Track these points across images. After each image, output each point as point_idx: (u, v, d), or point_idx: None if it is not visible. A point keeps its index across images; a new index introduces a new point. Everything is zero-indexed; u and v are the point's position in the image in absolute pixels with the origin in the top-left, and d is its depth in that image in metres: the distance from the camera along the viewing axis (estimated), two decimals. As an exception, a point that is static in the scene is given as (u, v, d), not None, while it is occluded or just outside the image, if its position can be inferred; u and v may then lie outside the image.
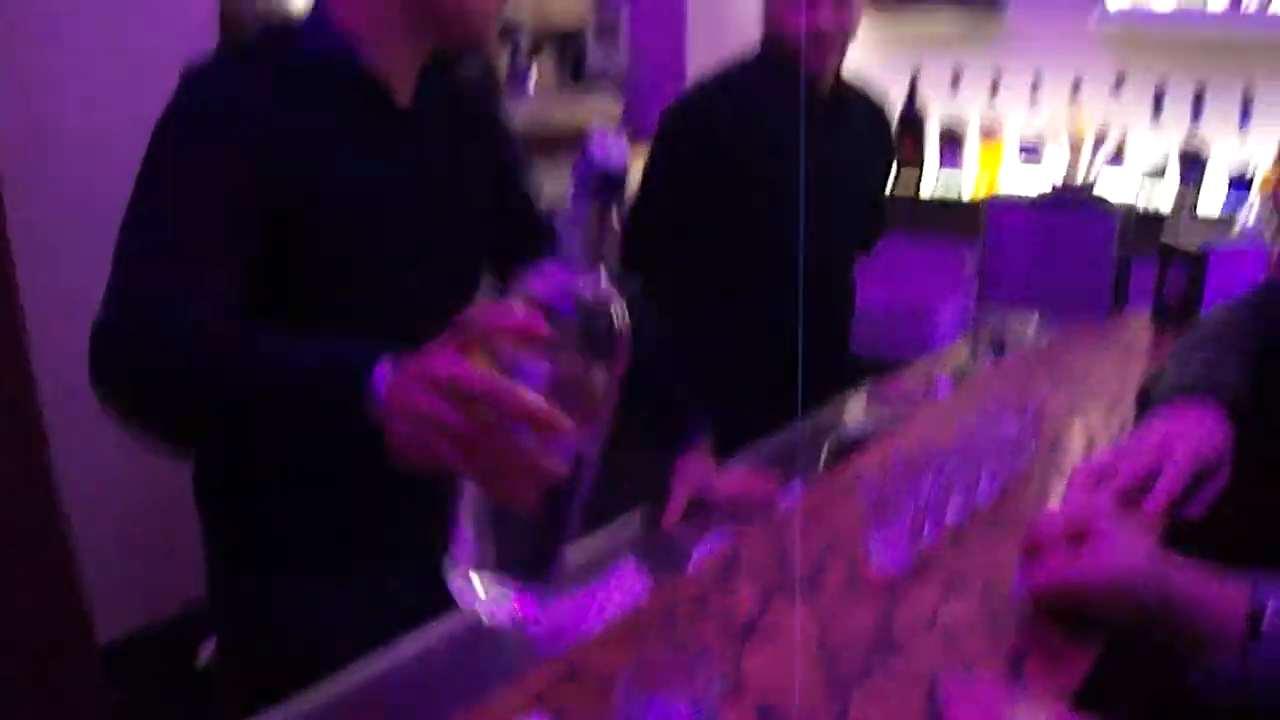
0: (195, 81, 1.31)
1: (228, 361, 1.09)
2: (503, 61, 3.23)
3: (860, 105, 2.46)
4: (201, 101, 1.28)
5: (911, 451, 1.24)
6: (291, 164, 1.31)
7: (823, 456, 1.81)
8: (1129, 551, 0.86)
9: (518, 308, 0.83)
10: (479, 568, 0.87)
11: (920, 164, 3.63)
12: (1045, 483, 1.25)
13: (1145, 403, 1.32)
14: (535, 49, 3.35)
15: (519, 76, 3.24)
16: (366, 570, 1.45)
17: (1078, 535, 0.88)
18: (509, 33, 3.20)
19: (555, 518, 0.88)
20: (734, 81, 2.36)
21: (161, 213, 1.25)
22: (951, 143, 3.59)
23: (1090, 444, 1.37)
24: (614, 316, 0.84)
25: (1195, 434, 1.22)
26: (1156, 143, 3.34)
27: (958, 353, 2.35)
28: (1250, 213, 2.25)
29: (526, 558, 0.88)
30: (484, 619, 0.90)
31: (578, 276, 0.84)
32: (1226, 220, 2.95)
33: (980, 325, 2.17)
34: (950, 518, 1.15)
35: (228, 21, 2.36)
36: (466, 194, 1.55)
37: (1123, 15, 3.31)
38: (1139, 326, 1.97)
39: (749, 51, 2.41)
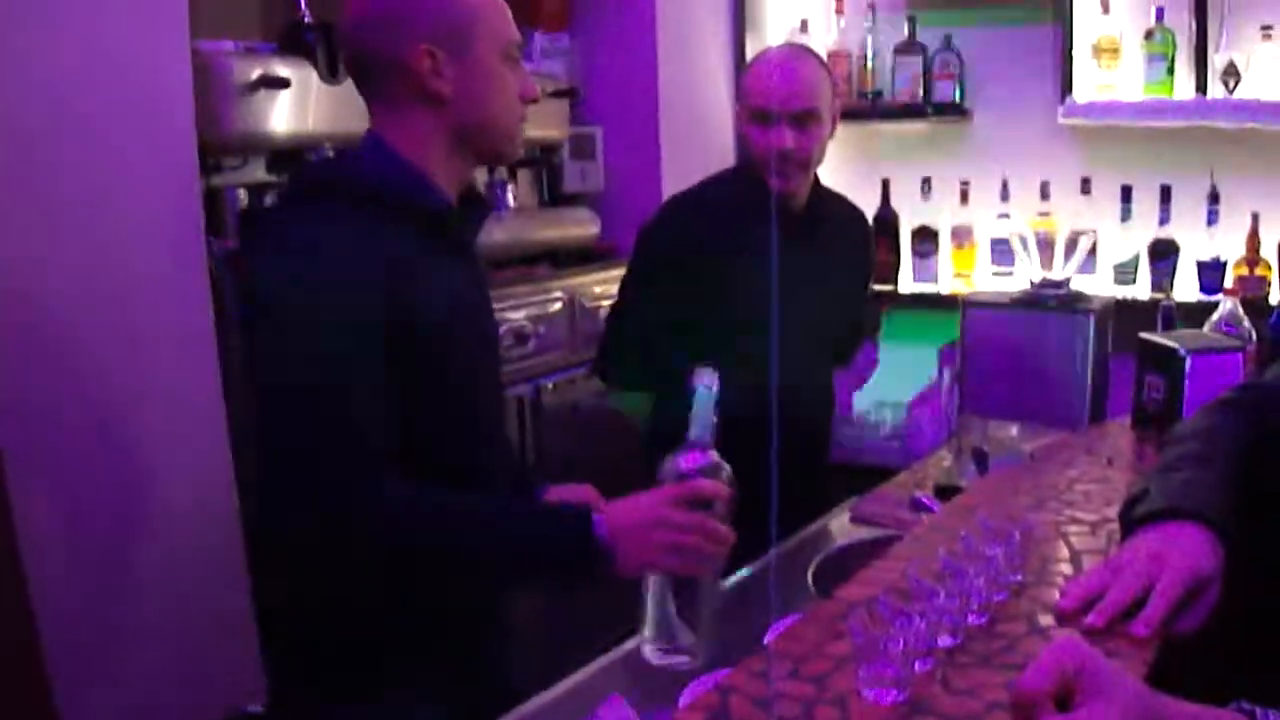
0: (292, 229, 1.46)
1: (455, 536, 1.41)
2: (480, 180, 3.26)
3: (839, 218, 2.51)
4: (318, 249, 1.42)
5: (897, 583, 1.24)
6: (405, 293, 1.44)
7: (809, 580, 1.80)
8: (1120, 700, 0.85)
9: (705, 482, 1.40)
10: (660, 637, 1.39)
11: (896, 268, 3.67)
12: (1034, 606, 1.24)
13: (1128, 520, 1.32)
14: (512, 167, 3.39)
15: (497, 195, 3.27)
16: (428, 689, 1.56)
17: (1066, 689, 0.86)
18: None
19: (704, 599, 1.42)
20: (707, 197, 2.41)
21: (328, 379, 1.38)
22: (925, 247, 3.64)
23: (1077, 563, 1.36)
24: (726, 475, 1.41)
25: (1184, 552, 1.21)
26: (1126, 241, 3.39)
27: (939, 462, 2.35)
28: (1222, 314, 2.27)
29: (691, 627, 1.40)
30: (674, 666, 1.38)
31: (703, 455, 1.41)
32: (1203, 306, 2.98)
33: (962, 436, 2.18)
34: (940, 647, 1.13)
35: (207, 147, 2.37)
36: (491, 310, 1.71)
37: (1090, 107, 3.37)
38: (1120, 434, 1.98)
39: (724, 168, 2.44)
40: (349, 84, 2.57)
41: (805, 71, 2.32)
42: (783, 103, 2.28)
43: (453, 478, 1.51)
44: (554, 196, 3.52)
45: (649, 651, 1.39)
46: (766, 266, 2.22)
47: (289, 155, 2.62)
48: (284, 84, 2.46)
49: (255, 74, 2.44)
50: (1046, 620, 1.20)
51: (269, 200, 2.58)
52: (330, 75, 2.56)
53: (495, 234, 3.10)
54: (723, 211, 2.34)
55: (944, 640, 1.13)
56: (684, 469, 1.40)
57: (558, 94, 3.35)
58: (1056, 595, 1.26)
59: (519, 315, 3.01)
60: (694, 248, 2.33)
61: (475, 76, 1.52)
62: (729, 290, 2.27)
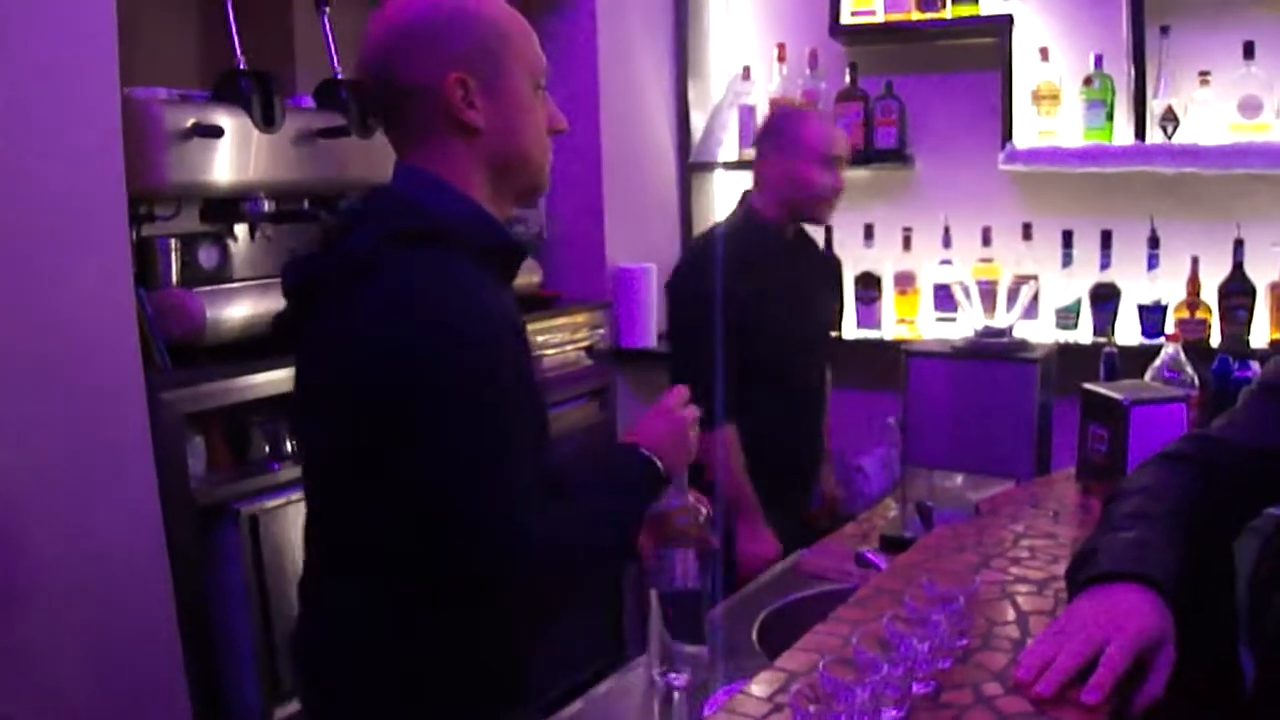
0: (447, 279, 1.37)
1: (603, 536, 1.48)
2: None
3: (812, 247, 2.96)
4: (478, 299, 1.38)
5: (840, 650, 1.20)
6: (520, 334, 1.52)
7: (754, 637, 1.77)
8: None
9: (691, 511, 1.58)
10: (663, 663, 1.49)
11: (839, 314, 3.66)
12: (981, 674, 1.21)
13: (1075, 582, 1.30)
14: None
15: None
16: None
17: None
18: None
19: (694, 629, 1.51)
20: (731, 243, 2.72)
21: (501, 411, 1.37)
22: (868, 294, 3.63)
23: (1024, 625, 1.34)
24: (701, 516, 1.58)
25: (1132, 616, 1.19)
26: (1068, 286, 3.40)
27: (884, 512, 2.32)
28: (1164, 360, 2.27)
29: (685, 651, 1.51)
30: (675, 685, 1.49)
31: (680, 496, 1.60)
32: (1145, 350, 2.99)
33: (907, 486, 2.16)
34: None
35: (138, 196, 2.31)
36: None
37: (1030, 153, 3.39)
38: (1065, 485, 1.96)
39: (730, 215, 2.82)
40: (286, 132, 2.57)
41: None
42: (840, 149, 2.76)
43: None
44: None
45: (656, 677, 1.54)
46: (774, 292, 2.73)
47: (224, 205, 2.57)
48: (217, 132, 2.41)
49: (188, 122, 2.39)
50: (993, 689, 1.17)
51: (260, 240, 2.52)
52: (265, 124, 2.52)
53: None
54: (745, 253, 2.68)
55: (888, 713, 1.10)
56: (665, 508, 1.58)
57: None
58: (1003, 660, 1.24)
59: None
60: (728, 292, 2.58)
61: (507, 106, 1.46)
62: (751, 318, 2.65)
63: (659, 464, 1.54)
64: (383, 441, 1.34)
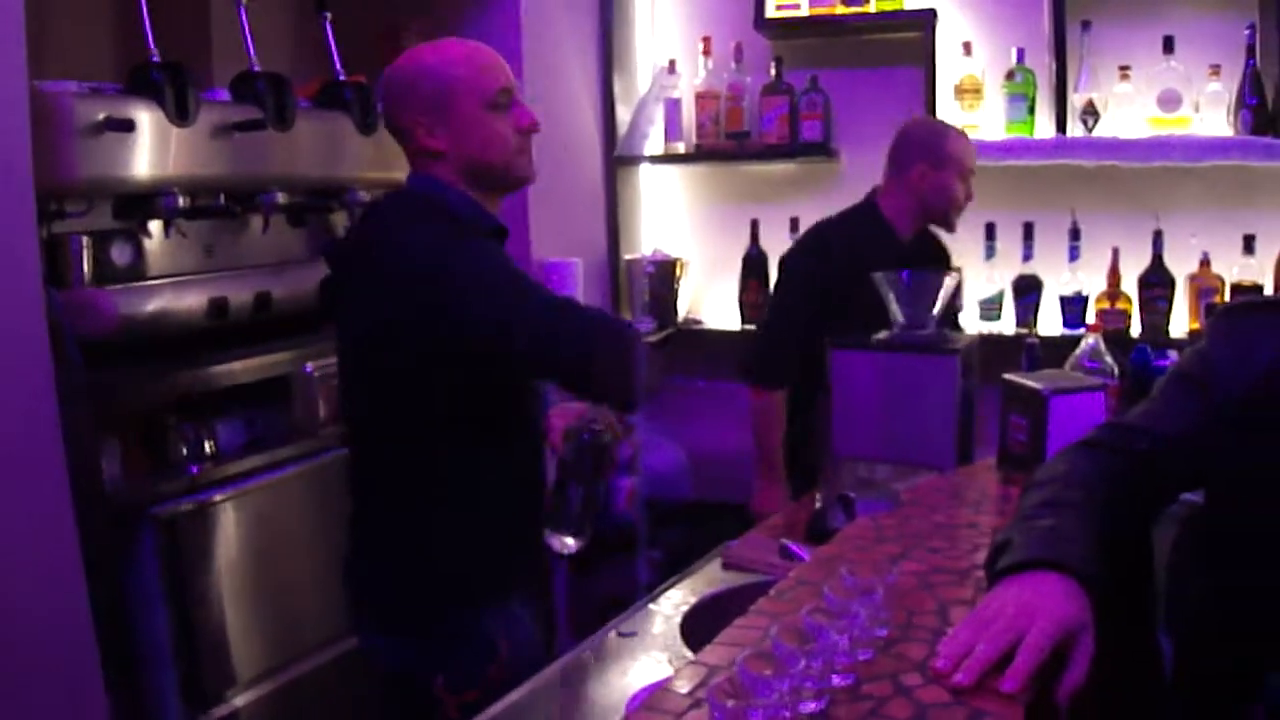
0: (458, 247, 1.83)
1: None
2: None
3: (930, 248, 3.01)
4: (492, 250, 1.90)
5: (760, 644, 1.19)
6: None
7: (678, 630, 1.76)
8: None
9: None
10: (555, 530, 1.94)
11: (764, 306, 3.66)
12: (901, 664, 1.21)
13: (993, 571, 1.30)
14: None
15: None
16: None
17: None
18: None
19: (586, 509, 1.94)
20: (845, 232, 2.92)
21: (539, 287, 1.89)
22: (795, 286, 3.63)
23: (944, 615, 1.34)
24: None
25: (1049, 604, 1.19)
26: (991, 278, 3.43)
27: (809, 504, 2.32)
28: (1084, 350, 2.29)
29: (575, 524, 1.94)
30: (562, 551, 1.94)
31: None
32: (1066, 340, 3.03)
33: (831, 481, 2.16)
34: (803, 712, 1.09)
35: (48, 192, 2.25)
36: None
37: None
38: (987, 475, 1.97)
39: (855, 210, 2.97)
40: (201, 126, 2.51)
41: None
42: (975, 161, 2.92)
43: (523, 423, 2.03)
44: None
45: (548, 538, 1.95)
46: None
47: (137, 201, 2.51)
48: (129, 126, 2.35)
49: (100, 116, 2.32)
50: (913, 679, 1.17)
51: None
52: (179, 117, 2.46)
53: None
54: (861, 250, 2.74)
55: (807, 706, 1.09)
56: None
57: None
58: (923, 651, 1.23)
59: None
60: (831, 275, 2.78)
61: (461, 129, 1.88)
62: (858, 312, 2.60)
63: None
64: (453, 319, 1.77)
